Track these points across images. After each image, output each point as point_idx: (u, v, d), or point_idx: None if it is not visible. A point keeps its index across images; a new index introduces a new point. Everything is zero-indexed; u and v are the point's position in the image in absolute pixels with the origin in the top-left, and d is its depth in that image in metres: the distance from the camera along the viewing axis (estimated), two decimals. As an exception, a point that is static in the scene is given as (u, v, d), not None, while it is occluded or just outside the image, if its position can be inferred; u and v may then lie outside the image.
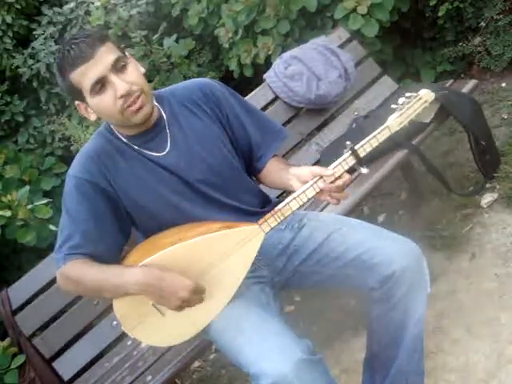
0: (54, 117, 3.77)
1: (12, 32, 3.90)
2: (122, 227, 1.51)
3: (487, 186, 2.35)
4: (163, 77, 3.43)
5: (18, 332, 2.05)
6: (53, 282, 2.01)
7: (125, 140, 1.48)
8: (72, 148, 3.44)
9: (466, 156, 2.56)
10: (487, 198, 2.34)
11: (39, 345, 2.05)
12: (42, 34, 3.84)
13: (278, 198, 2.12)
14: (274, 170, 1.61)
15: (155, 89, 3.18)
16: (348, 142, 1.39)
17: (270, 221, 1.41)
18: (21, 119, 3.92)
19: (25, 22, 3.98)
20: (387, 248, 1.45)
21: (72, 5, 3.87)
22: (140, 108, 1.39)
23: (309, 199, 1.40)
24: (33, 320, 2.07)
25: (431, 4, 2.99)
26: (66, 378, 2.03)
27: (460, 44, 3.15)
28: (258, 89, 2.52)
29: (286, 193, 2.08)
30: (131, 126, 1.45)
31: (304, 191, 1.38)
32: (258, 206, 1.58)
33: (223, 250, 1.40)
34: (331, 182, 1.37)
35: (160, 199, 1.47)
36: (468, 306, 1.97)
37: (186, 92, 1.57)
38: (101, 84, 1.35)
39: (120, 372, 1.95)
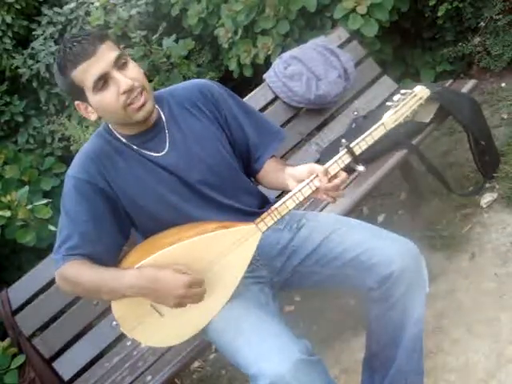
0: (54, 117, 3.77)
1: (12, 32, 3.90)
2: (121, 228, 1.51)
3: (487, 185, 2.35)
4: (163, 77, 3.43)
5: (17, 332, 2.05)
6: (52, 282, 2.01)
7: (124, 140, 1.48)
8: (72, 148, 3.44)
9: (466, 156, 2.56)
10: (487, 198, 2.34)
11: (39, 345, 2.05)
12: (42, 35, 3.84)
13: (277, 198, 2.12)
14: (271, 171, 1.61)
15: (155, 89, 3.19)
16: (343, 140, 1.40)
17: (267, 220, 1.41)
18: (20, 119, 3.92)
19: (25, 23, 3.98)
20: (386, 248, 1.45)
21: (72, 5, 3.87)
22: (143, 105, 1.39)
23: (305, 198, 1.40)
24: (33, 320, 2.07)
25: (431, 4, 2.99)
26: (65, 378, 2.03)
27: (459, 44, 3.15)
28: (257, 89, 2.52)
29: (284, 193, 2.08)
30: (131, 125, 1.46)
31: (300, 190, 1.39)
32: (257, 206, 1.58)
33: (220, 250, 1.40)
34: (328, 181, 1.37)
35: (159, 199, 1.48)
36: (468, 305, 1.97)
37: (185, 93, 1.58)
38: (103, 81, 1.35)
39: (120, 372, 1.95)
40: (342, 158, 1.39)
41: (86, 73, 1.34)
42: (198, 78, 3.49)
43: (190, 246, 1.39)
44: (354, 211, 2.02)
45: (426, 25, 3.28)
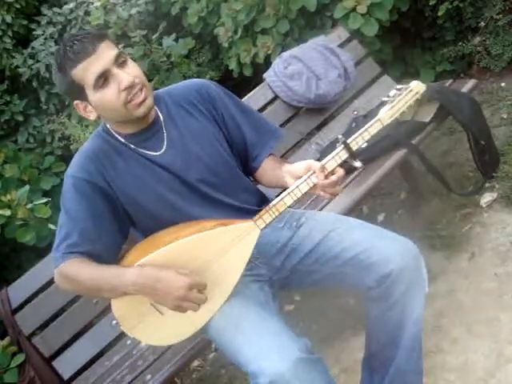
0: (54, 116, 3.77)
1: (12, 32, 3.90)
2: (121, 227, 1.51)
3: (487, 185, 2.35)
4: (163, 76, 3.43)
5: (17, 331, 2.06)
6: (52, 281, 1.99)
7: (122, 140, 1.49)
8: (72, 147, 3.44)
9: (466, 156, 2.56)
10: (487, 198, 2.34)
11: (39, 344, 2.06)
12: (42, 35, 3.84)
13: (276, 196, 2.13)
14: (269, 169, 1.62)
15: (155, 89, 3.19)
16: (340, 136, 1.40)
17: (265, 217, 1.42)
18: (20, 119, 3.92)
19: (24, 22, 3.98)
20: (385, 247, 1.45)
21: (71, 5, 3.87)
22: (143, 100, 1.40)
23: (303, 194, 1.40)
24: (32, 319, 2.07)
25: (431, 3, 2.99)
26: (65, 376, 2.03)
27: (459, 44, 3.15)
28: (257, 88, 2.53)
29: (283, 191, 2.09)
30: (130, 124, 1.47)
31: (298, 186, 1.39)
32: (256, 204, 1.59)
33: (219, 247, 1.40)
34: (325, 177, 1.38)
35: (158, 198, 1.48)
36: (467, 305, 1.97)
37: (182, 92, 1.59)
38: (104, 78, 1.36)
39: (120, 371, 1.95)
40: (339, 154, 1.40)
41: (87, 71, 1.35)
42: (198, 77, 3.49)
43: (189, 245, 1.39)
44: (353, 210, 2.02)
45: (426, 24, 3.28)
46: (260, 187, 1.70)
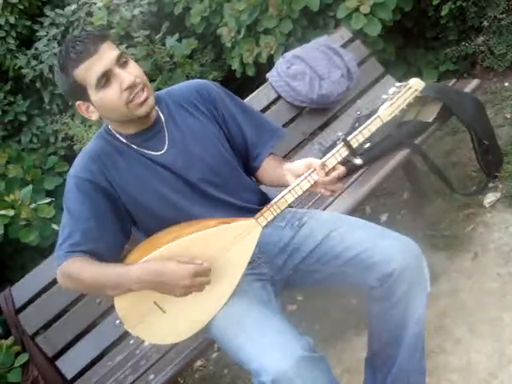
0: (57, 116, 3.78)
1: (15, 32, 3.90)
2: (123, 227, 1.53)
3: (490, 185, 2.35)
4: (166, 76, 3.43)
5: (21, 331, 2.06)
6: (56, 280, 1.98)
7: (124, 140, 1.51)
8: (75, 147, 3.45)
9: (469, 155, 2.55)
10: (490, 198, 2.34)
11: (42, 343, 2.06)
12: (45, 36, 3.84)
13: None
14: (270, 168, 1.63)
15: (158, 89, 3.19)
16: (340, 133, 1.41)
17: (266, 214, 1.43)
18: (24, 119, 3.93)
19: (28, 23, 3.98)
20: (386, 247, 1.45)
21: (73, 6, 3.88)
22: (145, 100, 1.42)
23: (304, 192, 1.41)
24: (36, 319, 2.08)
25: (434, 3, 2.98)
26: (68, 376, 2.04)
27: (463, 43, 3.14)
28: (260, 88, 2.53)
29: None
30: (131, 124, 1.48)
31: (299, 184, 1.41)
32: (257, 203, 1.59)
33: (221, 245, 1.41)
34: (326, 174, 1.39)
35: (160, 197, 1.49)
36: (470, 305, 1.97)
37: (183, 93, 1.61)
38: (106, 78, 1.38)
39: (123, 371, 1.96)
40: (339, 152, 1.42)
41: (89, 71, 1.37)
42: (200, 77, 3.49)
43: (190, 243, 1.40)
44: (357, 211, 2.02)
45: (429, 24, 3.28)
46: (262, 187, 1.71)
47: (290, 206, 1.44)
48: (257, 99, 2.47)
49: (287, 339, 1.30)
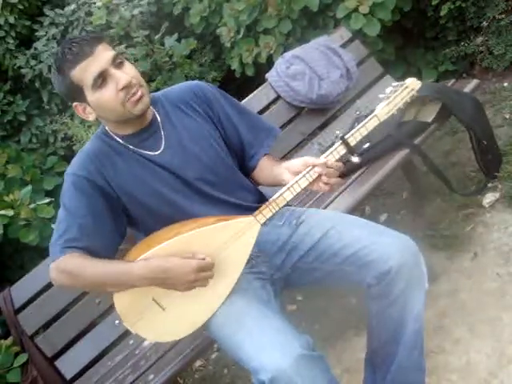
0: (57, 116, 3.78)
1: (15, 32, 3.90)
2: (118, 227, 1.54)
3: (489, 185, 2.35)
4: (165, 76, 3.43)
5: (20, 331, 2.06)
6: (55, 281, 2.01)
7: (121, 141, 1.53)
8: (74, 147, 3.45)
9: (468, 155, 2.56)
10: (489, 198, 2.34)
11: (41, 343, 2.06)
12: (45, 35, 3.84)
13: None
14: (266, 168, 1.66)
15: (158, 89, 3.20)
16: (338, 132, 1.43)
17: (265, 212, 1.44)
18: (23, 119, 3.92)
19: (27, 23, 3.98)
20: (384, 244, 1.46)
21: (73, 6, 3.87)
22: (140, 98, 1.44)
23: (302, 189, 1.43)
24: (35, 319, 2.08)
25: (433, 3, 2.99)
26: (68, 376, 2.04)
27: (462, 44, 3.15)
28: (259, 88, 2.53)
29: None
30: (128, 124, 1.51)
31: (297, 181, 1.42)
32: (255, 202, 1.61)
33: (220, 242, 1.42)
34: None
35: (158, 196, 1.51)
36: (470, 305, 1.97)
37: (179, 94, 1.64)
38: (102, 78, 1.40)
39: (122, 371, 1.96)
40: (337, 150, 1.44)
41: (85, 71, 1.39)
42: (200, 77, 3.50)
43: (190, 239, 1.41)
44: (356, 210, 2.02)
45: (429, 24, 3.28)
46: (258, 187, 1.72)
47: (288, 204, 1.46)
48: (256, 99, 2.47)
49: (286, 338, 1.31)
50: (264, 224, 1.46)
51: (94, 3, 3.68)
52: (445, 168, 2.52)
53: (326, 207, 2.04)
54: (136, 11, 3.52)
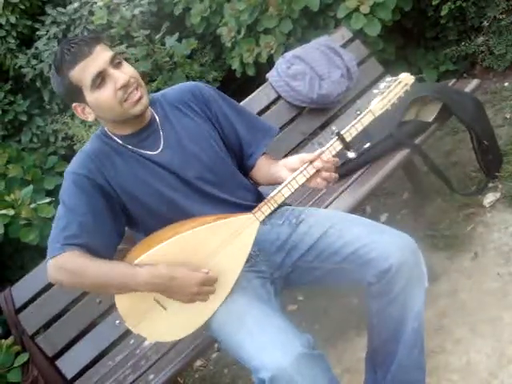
0: (57, 116, 3.78)
1: (16, 32, 3.91)
2: (117, 226, 1.54)
3: (490, 185, 2.35)
4: (166, 76, 3.43)
5: (21, 330, 2.06)
6: (56, 280, 2.01)
7: (120, 141, 1.54)
8: (75, 147, 3.45)
9: (469, 155, 2.55)
10: (490, 198, 2.34)
11: (42, 343, 2.06)
12: (46, 34, 3.84)
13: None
14: (264, 167, 1.67)
15: (158, 88, 3.20)
16: (333, 128, 1.45)
17: (264, 209, 1.45)
18: (24, 118, 3.93)
19: (28, 22, 3.98)
20: (384, 242, 1.46)
21: (76, 5, 3.87)
22: (139, 99, 1.46)
23: (300, 185, 1.44)
24: (36, 318, 2.08)
25: (434, 3, 2.98)
26: (68, 376, 2.04)
27: (463, 43, 3.15)
28: (260, 88, 2.53)
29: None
30: (127, 124, 1.52)
31: (294, 178, 1.43)
32: (253, 201, 1.61)
33: (220, 240, 1.42)
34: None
35: (158, 195, 1.52)
36: (470, 305, 1.97)
37: (177, 94, 1.66)
38: (101, 78, 1.41)
39: (123, 370, 1.96)
40: (333, 145, 1.45)
41: (84, 71, 1.41)
42: (200, 77, 3.50)
43: (190, 238, 1.42)
44: (357, 210, 2.01)
45: (429, 24, 3.28)
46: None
47: (288, 204, 1.46)
48: (257, 99, 2.47)
49: (287, 336, 1.31)
50: (263, 221, 1.47)
51: (96, 3, 3.68)
52: (445, 168, 2.52)
53: (326, 207, 2.04)
54: (137, 11, 3.52)
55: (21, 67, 3.82)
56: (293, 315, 2.32)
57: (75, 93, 1.45)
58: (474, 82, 2.27)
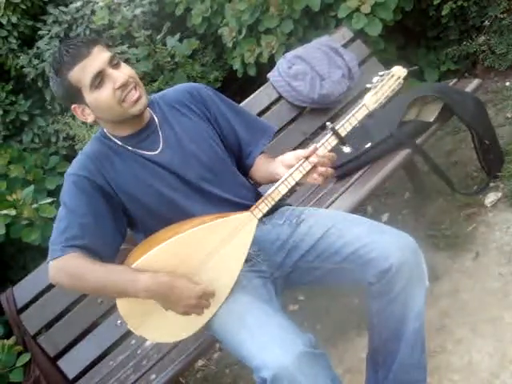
0: (59, 116, 3.77)
1: (17, 32, 3.91)
2: (118, 227, 1.55)
3: (491, 185, 2.35)
4: (167, 76, 3.43)
5: (22, 331, 2.07)
6: (57, 281, 2.01)
7: (119, 142, 1.55)
8: (76, 147, 3.45)
9: (470, 155, 2.55)
10: (491, 197, 2.33)
11: (44, 343, 2.07)
12: (47, 34, 3.84)
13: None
14: (262, 166, 1.68)
15: (160, 89, 3.20)
16: (328, 123, 1.46)
17: (261, 206, 1.45)
18: (25, 118, 3.93)
19: (30, 22, 3.98)
20: (384, 242, 1.46)
21: (78, 4, 3.87)
22: (138, 99, 1.47)
23: (296, 182, 1.44)
24: (37, 319, 2.09)
25: (435, 3, 2.98)
26: (70, 376, 2.04)
27: (464, 43, 3.15)
28: (261, 88, 2.53)
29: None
30: (126, 125, 1.53)
31: (291, 174, 1.43)
32: (253, 199, 1.61)
33: (219, 239, 1.43)
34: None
35: (158, 195, 1.53)
36: (472, 305, 1.97)
37: (175, 95, 1.67)
38: (100, 79, 1.43)
39: (124, 370, 1.96)
40: (328, 141, 1.45)
41: (83, 72, 1.42)
42: (202, 77, 3.50)
43: (189, 238, 1.42)
44: (358, 210, 2.01)
45: (430, 24, 3.28)
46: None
47: (287, 202, 1.47)
48: (258, 99, 2.47)
49: (288, 335, 1.31)
50: (263, 221, 1.47)
51: (97, 2, 3.68)
52: (446, 168, 2.52)
53: (327, 207, 2.04)
54: (138, 11, 3.52)
55: (22, 67, 3.82)
56: (294, 315, 2.32)
57: (74, 94, 1.46)
58: (475, 82, 2.27)
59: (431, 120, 2.11)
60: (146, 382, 1.80)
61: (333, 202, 2.05)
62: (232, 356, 1.45)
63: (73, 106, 1.50)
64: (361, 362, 1.72)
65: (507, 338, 1.79)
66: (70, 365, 2.06)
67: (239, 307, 1.44)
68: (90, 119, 1.52)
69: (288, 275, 1.61)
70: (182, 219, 1.50)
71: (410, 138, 2.08)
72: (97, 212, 1.49)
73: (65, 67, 1.42)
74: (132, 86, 1.46)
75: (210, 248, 1.43)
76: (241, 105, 2.29)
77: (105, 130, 1.57)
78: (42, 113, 4.01)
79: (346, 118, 1.46)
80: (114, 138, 1.56)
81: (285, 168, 1.47)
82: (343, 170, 2.17)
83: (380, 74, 1.54)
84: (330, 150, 1.45)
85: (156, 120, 1.59)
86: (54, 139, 3.91)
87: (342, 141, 1.45)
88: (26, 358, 2.11)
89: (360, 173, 2.14)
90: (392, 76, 1.52)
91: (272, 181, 1.56)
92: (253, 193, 1.68)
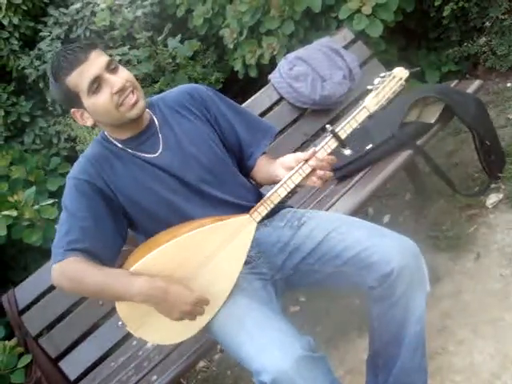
0: (60, 117, 3.79)
1: (19, 33, 3.92)
2: (119, 229, 1.55)
3: (492, 186, 2.34)
4: (168, 78, 3.44)
5: (24, 332, 2.07)
6: (59, 282, 2.01)
7: (119, 145, 1.56)
8: (77, 148, 3.46)
9: (471, 156, 2.55)
10: (492, 199, 2.33)
11: (45, 344, 2.07)
12: (49, 35, 3.85)
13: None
14: (264, 167, 1.67)
15: (161, 90, 3.20)
16: (328, 126, 1.44)
17: (260, 209, 1.45)
18: (27, 120, 3.94)
19: (31, 24, 3.99)
20: (385, 246, 1.45)
21: (78, 5, 3.88)
22: (135, 103, 1.47)
23: (296, 185, 1.44)
24: (39, 320, 2.09)
25: (436, 4, 2.98)
26: (72, 377, 2.05)
27: (465, 44, 3.15)
28: (262, 90, 2.53)
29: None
30: (125, 128, 1.53)
31: (290, 177, 1.44)
32: (254, 201, 1.60)
33: (218, 242, 1.43)
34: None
35: (158, 198, 1.53)
36: (473, 306, 1.97)
37: (175, 96, 1.67)
38: (97, 83, 1.43)
39: (125, 372, 1.96)
40: (328, 143, 1.45)
41: (81, 77, 1.43)
42: (203, 78, 3.50)
43: (188, 241, 1.42)
44: (359, 212, 2.02)
45: (431, 25, 3.28)
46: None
47: (288, 205, 1.46)
48: (259, 100, 2.48)
49: (287, 339, 1.31)
50: (264, 223, 1.47)
51: (98, 4, 3.69)
52: (448, 169, 2.52)
53: (328, 209, 2.04)
54: (139, 12, 3.54)
55: (24, 68, 3.83)
56: (295, 317, 2.32)
57: (73, 98, 1.47)
58: (477, 83, 2.27)
59: (432, 121, 2.11)
60: (148, 384, 1.80)
61: (334, 203, 2.05)
62: (232, 357, 1.45)
63: (72, 110, 1.52)
64: (362, 364, 1.72)
65: (509, 338, 1.78)
66: (72, 366, 2.06)
67: (239, 310, 1.43)
68: (89, 123, 1.53)
69: (288, 277, 1.61)
70: (181, 222, 1.50)
71: (411, 139, 2.08)
72: (97, 215, 1.49)
73: (62, 72, 1.44)
74: (129, 90, 1.47)
75: (209, 251, 1.42)
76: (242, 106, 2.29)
77: (105, 133, 1.58)
78: (43, 114, 4.02)
79: (347, 121, 1.45)
80: (114, 141, 1.56)
81: (284, 170, 1.47)
82: (344, 171, 2.17)
83: (381, 75, 1.53)
84: (330, 153, 1.45)
85: (156, 122, 1.59)
86: (55, 140, 3.92)
87: (342, 143, 1.45)
88: (27, 359, 2.11)
89: (361, 174, 2.14)
90: (393, 77, 1.51)
91: (273, 182, 1.56)
92: (254, 194, 1.68)
